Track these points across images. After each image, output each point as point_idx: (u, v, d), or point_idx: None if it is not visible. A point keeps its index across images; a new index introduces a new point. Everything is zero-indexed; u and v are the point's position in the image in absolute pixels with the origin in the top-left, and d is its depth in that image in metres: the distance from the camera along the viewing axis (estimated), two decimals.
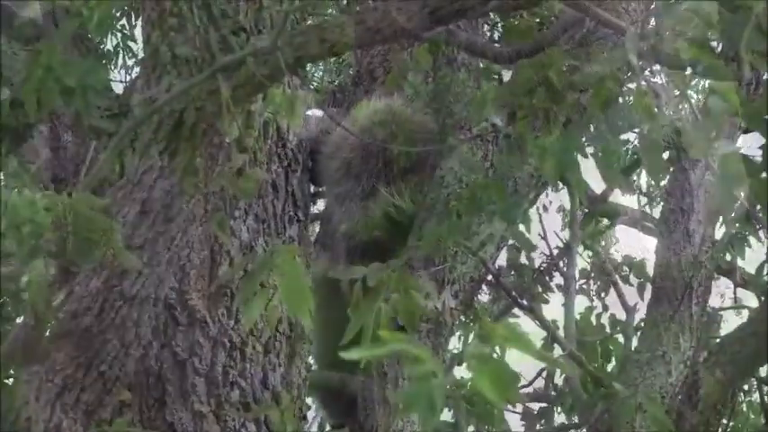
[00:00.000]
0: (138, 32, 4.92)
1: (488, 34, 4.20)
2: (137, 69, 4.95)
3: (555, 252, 3.78)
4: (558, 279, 3.68)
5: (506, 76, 3.08)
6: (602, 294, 4.07)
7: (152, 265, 1.66)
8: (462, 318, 3.15)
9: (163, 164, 1.61)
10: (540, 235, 3.66)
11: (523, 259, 3.68)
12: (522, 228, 2.14)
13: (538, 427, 3.38)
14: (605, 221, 4.62)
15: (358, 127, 3.00)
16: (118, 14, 4.35)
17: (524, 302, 3.21)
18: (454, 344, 4.36)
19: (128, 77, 4.93)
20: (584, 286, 4.18)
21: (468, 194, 2.12)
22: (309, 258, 2.55)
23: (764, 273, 3.49)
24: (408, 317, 1.81)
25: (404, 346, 0.75)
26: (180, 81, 1.65)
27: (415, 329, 1.87)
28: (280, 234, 2.37)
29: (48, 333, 1.67)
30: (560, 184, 4.73)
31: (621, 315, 3.77)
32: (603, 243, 4.32)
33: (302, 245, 2.44)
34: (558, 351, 2.88)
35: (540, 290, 3.62)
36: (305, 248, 2.48)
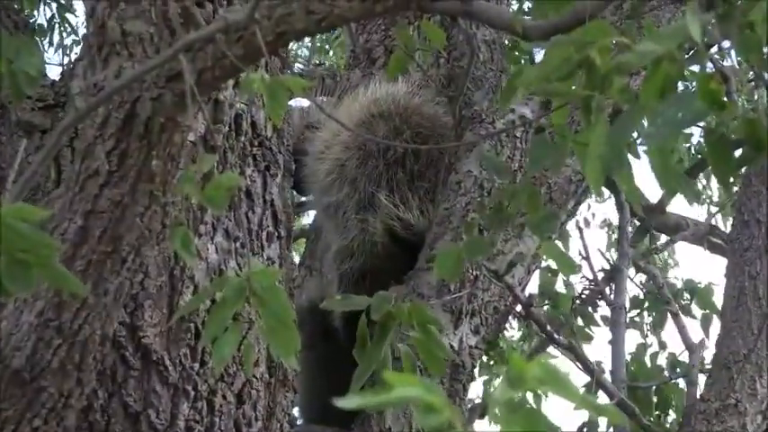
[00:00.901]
0: (78, 3, 4.95)
1: (516, 3, 4.22)
2: (77, 49, 4.96)
3: (600, 276, 3.79)
4: (603, 309, 3.69)
5: (539, 56, 3.10)
6: (659, 329, 4.07)
7: (97, 293, 1.66)
8: (485, 358, 3.16)
9: (110, 168, 1.62)
10: (581, 254, 3.67)
11: (561, 285, 3.69)
12: (559, 245, 2.14)
13: None
14: (662, 237, 4.63)
15: (353, 120, 3.01)
16: None
17: (562, 339, 3.21)
18: (475, 392, 4.35)
19: (66, 59, 4.95)
20: (636, 318, 4.18)
21: (492, 204, 2.13)
22: (293, 285, 2.56)
23: None
24: (432, 360, 1.81)
25: (414, 391, 0.75)
26: (132, 64, 1.66)
27: (441, 375, 1.88)
28: (256, 254, 2.38)
29: None
30: (606, 192, 4.76)
31: (683, 354, 3.77)
32: (660, 264, 4.33)
33: (284, 268, 2.45)
34: (603, 399, 2.88)
35: (581, 323, 3.62)
36: (287, 272, 2.49)
